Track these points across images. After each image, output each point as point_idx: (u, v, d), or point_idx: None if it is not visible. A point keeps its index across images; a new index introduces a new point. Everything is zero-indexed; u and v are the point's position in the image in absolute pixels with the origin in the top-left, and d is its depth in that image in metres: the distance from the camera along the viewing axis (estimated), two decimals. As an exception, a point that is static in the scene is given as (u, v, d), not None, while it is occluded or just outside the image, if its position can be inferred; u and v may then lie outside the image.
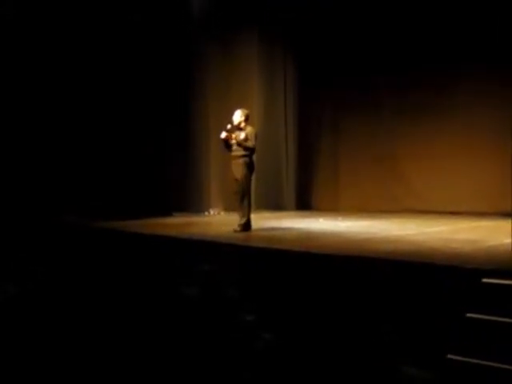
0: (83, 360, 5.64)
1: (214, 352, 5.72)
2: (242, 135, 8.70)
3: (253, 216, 9.00)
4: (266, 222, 10.32)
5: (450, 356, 4.83)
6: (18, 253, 8.34)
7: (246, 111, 9.00)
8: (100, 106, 11.23)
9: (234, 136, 8.75)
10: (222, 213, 12.50)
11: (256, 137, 8.91)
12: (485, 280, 5.24)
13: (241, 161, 8.73)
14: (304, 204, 13.93)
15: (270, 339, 5.84)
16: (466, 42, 11.23)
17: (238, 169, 8.75)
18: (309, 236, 8.81)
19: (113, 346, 5.94)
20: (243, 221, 8.75)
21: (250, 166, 8.79)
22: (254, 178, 9.12)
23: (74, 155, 10.95)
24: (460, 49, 11.35)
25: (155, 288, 7.19)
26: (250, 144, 8.73)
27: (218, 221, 11.48)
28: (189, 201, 12.30)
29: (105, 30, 11.18)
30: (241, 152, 8.74)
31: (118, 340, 6.08)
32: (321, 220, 11.01)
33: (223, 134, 8.82)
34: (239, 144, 8.68)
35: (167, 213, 11.75)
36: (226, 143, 8.88)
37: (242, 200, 8.74)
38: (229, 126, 8.86)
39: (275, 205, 13.35)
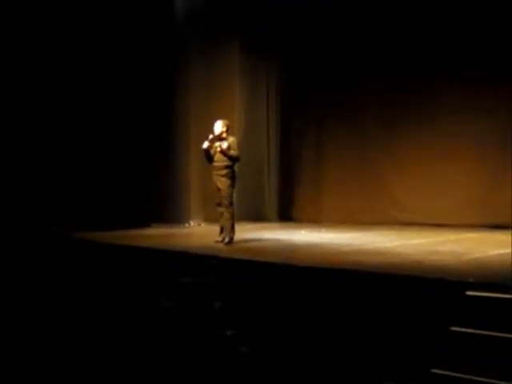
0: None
1: (190, 367, 5.63)
2: (225, 145, 8.62)
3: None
4: (247, 233, 10.22)
5: (434, 370, 4.77)
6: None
7: (227, 122, 8.94)
8: (73, 117, 10.98)
9: (216, 145, 8.67)
10: (203, 224, 12.38)
11: (238, 146, 8.86)
12: (469, 293, 5.19)
13: (224, 172, 8.65)
14: (286, 215, 13.85)
15: (252, 353, 5.75)
16: (452, 51, 11.23)
17: (221, 180, 8.66)
18: (291, 248, 8.74)
19: (99, 358, 5.85)
20: (231, 235, 8.69)
21: (233, 177, 8.72)
22: (235, 188, 9.02)
23: (49, 165, 10.73)
24: (445, 59, 11.35)
25: (135, 300, 7.07)
26: (234, 153, 8.66)
27: (198, 232, 11.40)
28: (168, 212, 12.14)
29: (95, 33, 11.04)
30: (224, 163, 8.65)
31: (103, 351, 5.99)
32: (303, 232, 10.93)
33: (205, 145, 8.73)
34: (224, 154, 8.59)
35: (146, 224, 11.59)
36: (208, 154, 8.78)
37: (225, 210, 8.65)
38: (210, 137, 8.78)
39: (257, 216, 13.25)
